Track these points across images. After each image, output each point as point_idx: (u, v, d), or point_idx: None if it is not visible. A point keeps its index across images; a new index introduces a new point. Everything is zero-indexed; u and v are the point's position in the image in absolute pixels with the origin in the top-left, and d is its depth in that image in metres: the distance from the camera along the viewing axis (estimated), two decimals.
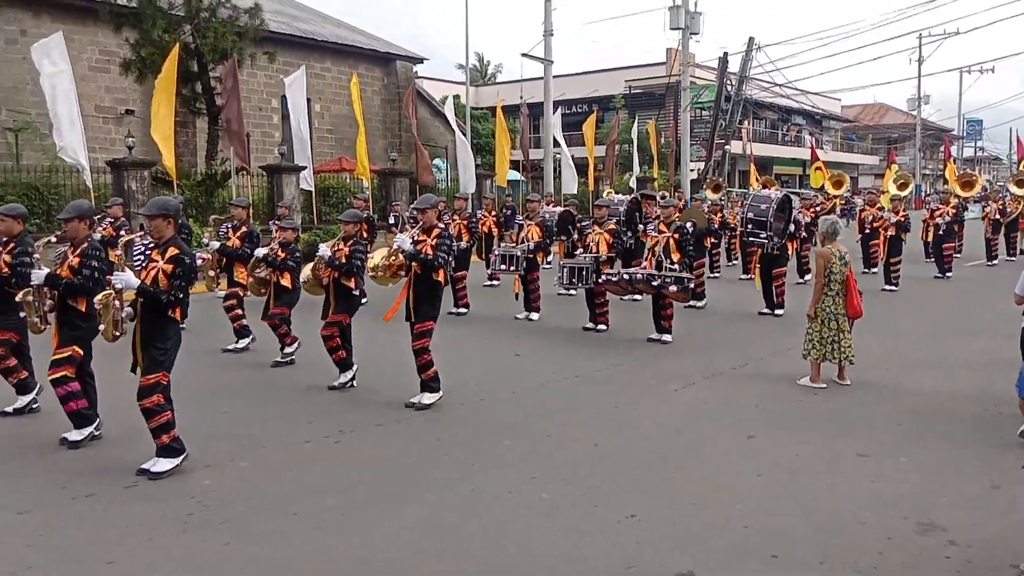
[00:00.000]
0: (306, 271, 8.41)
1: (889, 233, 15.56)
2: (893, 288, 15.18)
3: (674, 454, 6.21)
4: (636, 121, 33.29)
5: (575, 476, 5.69)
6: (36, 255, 6.80)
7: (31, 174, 17.16)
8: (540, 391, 8.13)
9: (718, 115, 32.28)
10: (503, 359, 9.59)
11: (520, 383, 8.37)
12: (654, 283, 10.05)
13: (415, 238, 7.42)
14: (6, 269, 6.87)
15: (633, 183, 29.31)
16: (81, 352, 6.27)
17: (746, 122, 41.13)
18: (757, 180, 27.85)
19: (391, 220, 17.09)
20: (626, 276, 10.40)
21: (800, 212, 14.02)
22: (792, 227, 12.55)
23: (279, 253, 8.91)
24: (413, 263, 7.30)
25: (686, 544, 4.61)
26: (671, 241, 10.26)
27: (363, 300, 8.93)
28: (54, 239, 7.25)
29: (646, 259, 10.63)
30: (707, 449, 6.32)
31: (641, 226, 12.40)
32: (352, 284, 7.97)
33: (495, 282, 15.65)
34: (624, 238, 11.40)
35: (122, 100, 24.07)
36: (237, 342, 9.79)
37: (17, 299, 6.52)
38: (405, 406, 7.33)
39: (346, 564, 4.39)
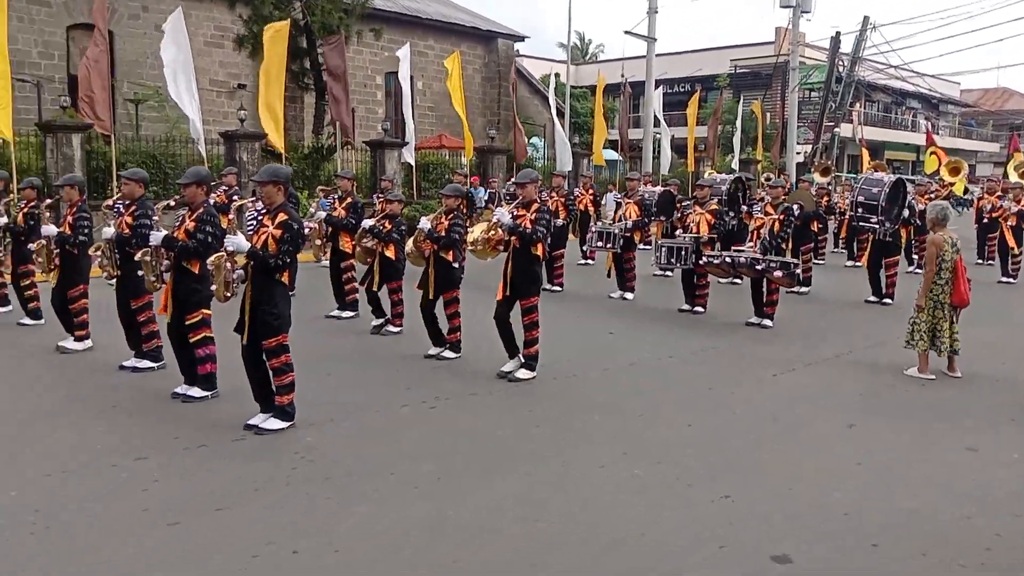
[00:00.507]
0: (409, 244, 8.60)
1: (1009, 223, 14.75)
2: (1011, 280, 14.39)
3: (771, 438, 6.08)
4: (741, 102, 32.42)
5: (667, 455, 5.64)
6: (155, 218, 7.15)
7: (150, 143, 18.00)
8: (632, 370, 8.08)
9: (828, 97, 31.12)
10: (596, 337, 9.56)
11: (612, 361, 8.33)
12: (758, 267, 9.80)
13: (514, 212, 7.46)
14: (127, 230, 7.27)
15: (735, 165, 28.62)
16: (210, 312, 6.57)
17: (857, 105, 39.52)
18: (869, 164, 26.78)
19: (486, 196, 17.25)
20: (729, 259, 10.18)
21: (915, 198, 13.40)
22: (906, 213, 12.02)
23: (385, 225, 9.10)
24: (512, 237, 7.35)
25: (782, 528, 4.52)
26: (777, 224, 9.97)
27: (461, 276, 9.09)
28: (173, 203, 7.60)
29: (750, 242, 10.36)
30: (805, 434, 6.17)
31: (745, 207, 12.11)
32: (451, 257, 8.09)
33: (590, 261, 15.60)
34: (727, 219, 11.15)
35: (235, 75, 24.96)
36: (342, 311, 10.07)
37: (136, 258, 6.88)
38: (497, 377, 7.41)
39: (436, 528, 4.48)
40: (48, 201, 9.06)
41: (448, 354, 8.13)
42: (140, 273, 6.97)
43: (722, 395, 7.20)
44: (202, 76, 21.52)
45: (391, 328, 9.25)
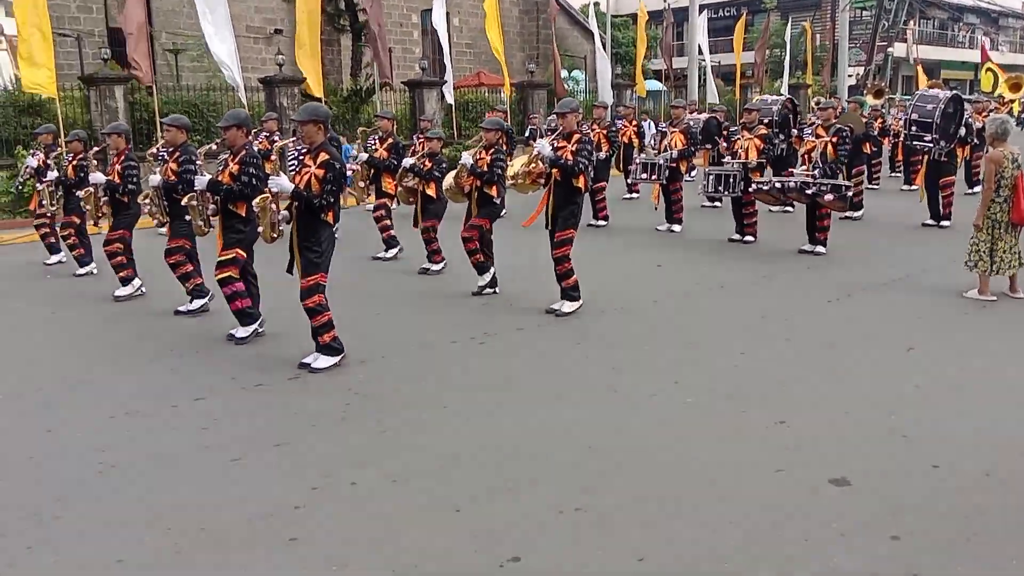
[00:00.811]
0: (449, 179, 8.49)
1: None
2: None
3: (826, 363, 5.98)
4: (789, 24, 31.33)
5: (720, 383, 5.58)
6: (199, 162, 7.19)
7: (190, 93, 18.08)
8: (682, 301, 7.98)
9: (880, 15, 29.98)
10: (644, 269, 9.46)
11: (661, 292, 8.24)
12: (808, 191, 9.54)
13: (555, 144, 7.31)
14: (173, 177, 7.32)
15: (784, 90, 27.83)
16: (244, 254, 6.64)
17: (911, 22, 37.92)
18: (926, 84, 25.85)
19: (527, 134, 17.01)
20: (778, 185, 9.92)
21: (972, 117, 12.85)
22: (963, 131, 11.54)
23: (426, 163, 9.04)
24: (553, 170, 7.23)
25: (839, 451, 4.46)
26: (829, 146, 9.65)
27: (502, 212, 9.00)
28: (214, 147, 7.63)
29: (803, 165, 10.03)
30: (862, 359, 6.04)
31: (795, 131, 11.75)
32: (494, 192, 8.01)
33: (635, 195, 15.37)
34: (776, 142, 10.82)
35: (271, 20, 24.84)
36: (386, 251, 10.13)
37: (183, 203, 6.95)
38: (545, 312, 7.38)
39: (490, 457, 4.51)
40: (95, 149, 9.17)
41: (482, 281, 8.08)
42: (188, 218, 7.04)
43: (776, 323, 7.09)
44: (238, 23, 21.42)
45: (434, 267, 9.25)
